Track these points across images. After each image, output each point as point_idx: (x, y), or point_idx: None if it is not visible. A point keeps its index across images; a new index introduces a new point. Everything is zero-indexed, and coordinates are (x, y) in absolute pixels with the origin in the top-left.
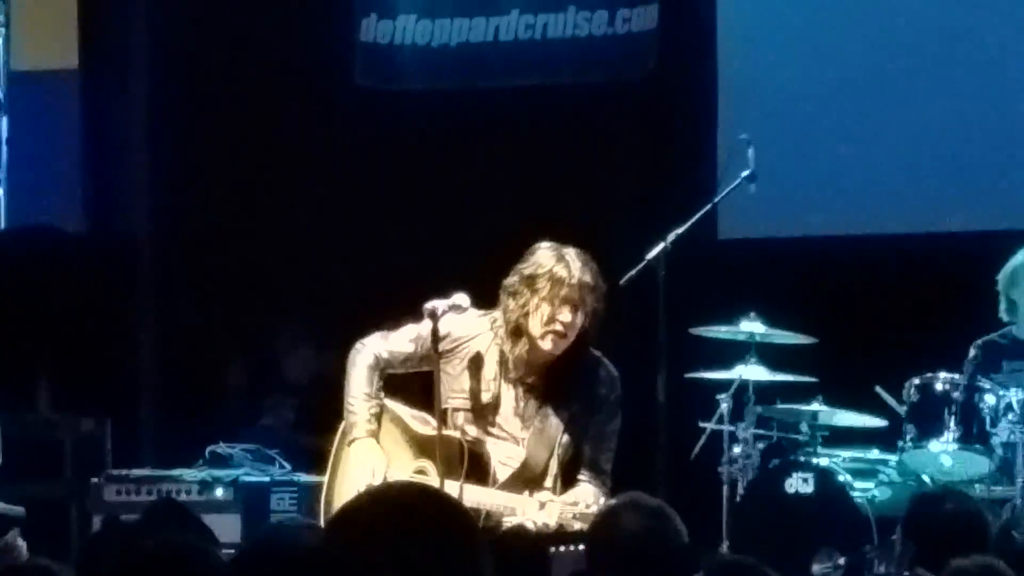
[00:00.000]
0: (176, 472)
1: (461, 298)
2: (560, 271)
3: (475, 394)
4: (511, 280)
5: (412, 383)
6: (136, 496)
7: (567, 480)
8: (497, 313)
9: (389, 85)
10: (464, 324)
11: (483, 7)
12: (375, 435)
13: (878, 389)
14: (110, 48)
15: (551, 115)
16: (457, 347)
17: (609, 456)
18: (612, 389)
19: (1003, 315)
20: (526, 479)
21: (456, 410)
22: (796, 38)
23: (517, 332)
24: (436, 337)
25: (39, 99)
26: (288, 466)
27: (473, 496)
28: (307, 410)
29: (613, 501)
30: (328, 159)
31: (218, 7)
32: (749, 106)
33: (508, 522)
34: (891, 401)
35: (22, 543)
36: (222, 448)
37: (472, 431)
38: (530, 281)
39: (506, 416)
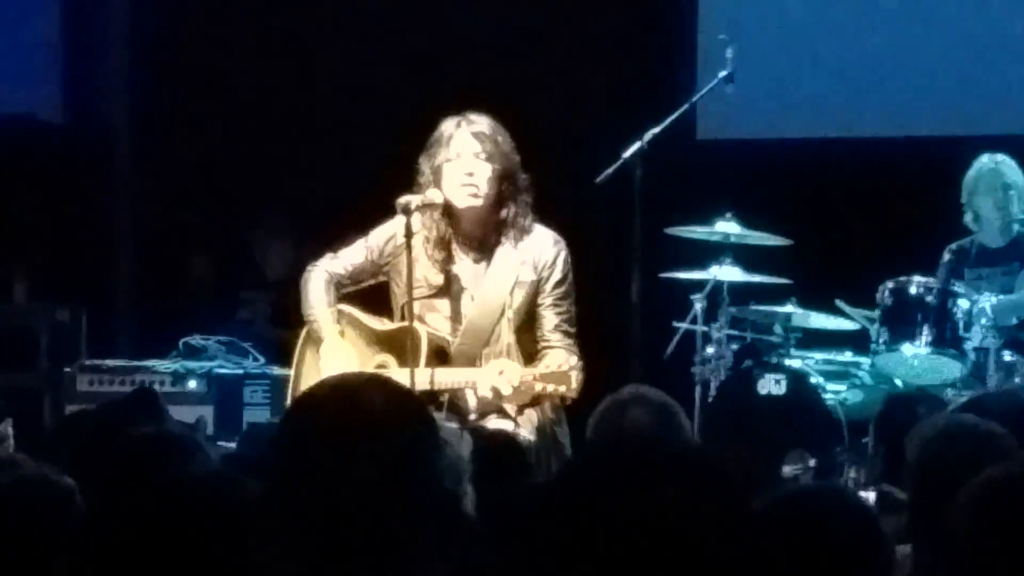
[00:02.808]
0: (150, 363)
1: (434, 194)
2: (448, 126)
3: (428, 281)
4: (419, 160)
5: (363, 295)
6: (109, 387)
7: (529, 352)
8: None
9: None
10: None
11: None
12: (341, 334)
13: (838, 302)
14: None
15: (529, 10)
16: (402, 248)
17: (570, 318)
18: (557, 250)
19: (969, 224)
20: (473, 345)
21: (417, 300)
22: None
23: (431, 207)
24: (409, 231)
25: None
26: (262, 359)
27: (427, 377)
28: (284, 304)
29: (618, 394)
30: (310, 46)
31: None
32: (730, 5)
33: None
34: (852, 312)
35: (11, 432)
36: (196, 340)
37: (433, 319)
38: (430, 147)
39: (458, 292)
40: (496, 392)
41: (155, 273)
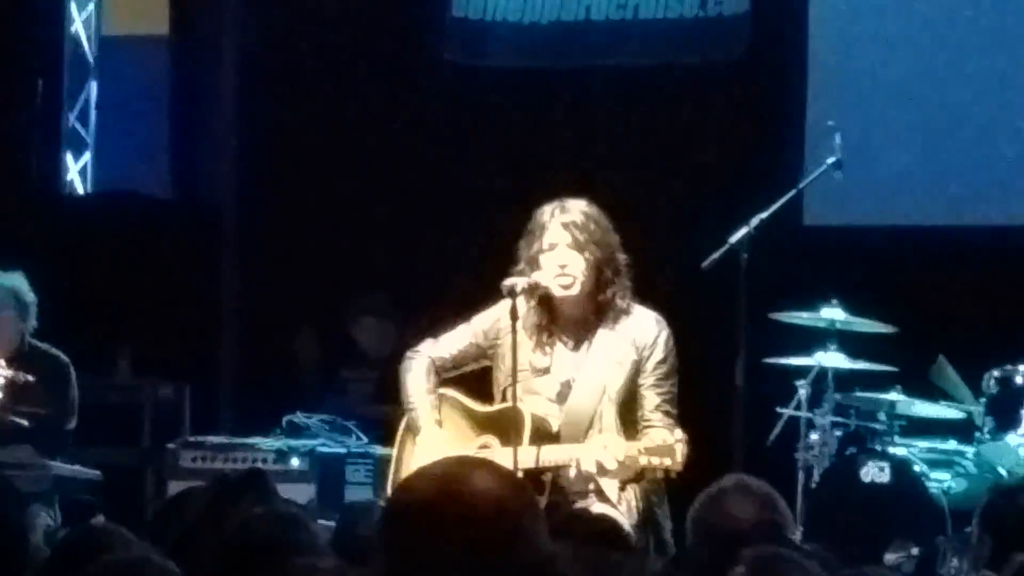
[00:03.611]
0: (253, 440)
1: (540, 275)
2: (543, 215)
3: (530, 365)
4: (519, 245)
5: (463, 380)
6: (212, 463)
7: (632, 434)
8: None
9: (478, 61)
10: (504, 307)
11: None
12: (439, 424)
13: (934, 372)
14: (201, 16)
15: (639, 96)
16: (505, 331)
17: (672, 398)
18: (658, 330)
19: None
20: (576, 428)
21: (519, 383)
22: (887, 25)
23: (535, 291)
24: (515, 314)
25: (129, 65)
26: (365, 438)
27: (532, 456)
28: (387, 383)
29: (719, 483)
30: (414, 132)
31: None
32: (838, 92)
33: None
34: (953, 376)
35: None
36: (299, 418)
37: (535, 402)
38: (527, 235)
39: (556, 376)
40: (600, 466)
41: (259, 350)
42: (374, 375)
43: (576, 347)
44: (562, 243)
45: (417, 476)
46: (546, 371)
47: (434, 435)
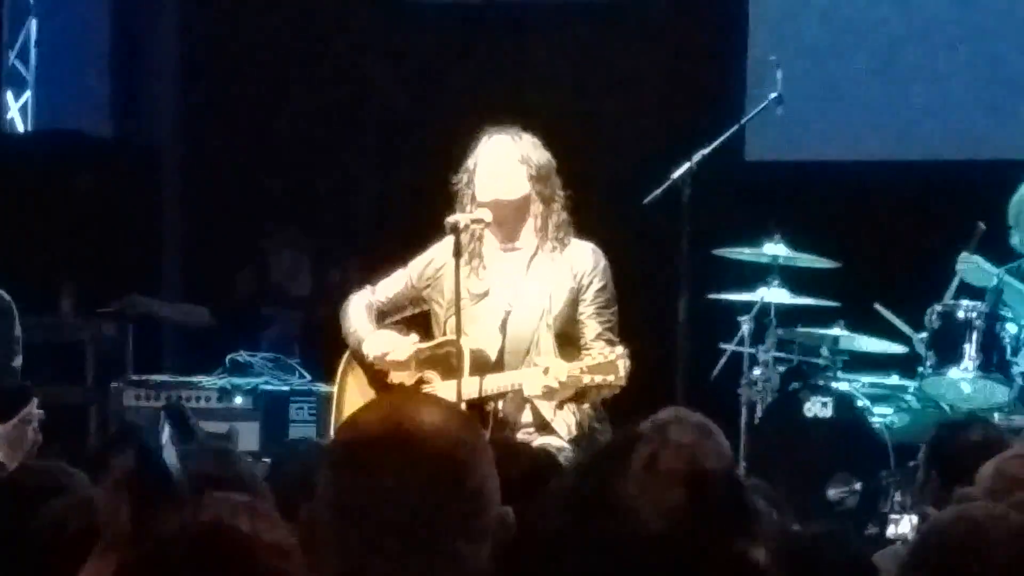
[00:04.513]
0: (196, 379)
1: (484, 212)
2: (486, 135)
3: (469, 292)
4: (461, 169)
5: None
6: (155, 402)
7: (571, 359)
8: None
9: None
10: (442, 246)
11: None
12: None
13: (877, 306)
14: None
15: (579, 30)
16: (442, 270)
17: (613, 326)
18: (595, 259)
19: (1016, 246)
20: (515, 353)
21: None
22: None
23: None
24: (458, 250)
25: (69, 3)
26: (308, 376)
27: (474, 387)
28: (312, 324)
29: (656, 416)
30: (352, 67)
31: None
32: (780, 27)
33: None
34: (892, 318)
35: (36, 411)
36: (242, 356)
37: (475, 331)
38: (470, 154)
39: (495, 301)
40: (544, 389)
41: (201, 288)
42: (297, 315)
43: (513, 272)
44: (502, 151)
45: (363, 411)
46: (485, 295)
47: (382, 336)
